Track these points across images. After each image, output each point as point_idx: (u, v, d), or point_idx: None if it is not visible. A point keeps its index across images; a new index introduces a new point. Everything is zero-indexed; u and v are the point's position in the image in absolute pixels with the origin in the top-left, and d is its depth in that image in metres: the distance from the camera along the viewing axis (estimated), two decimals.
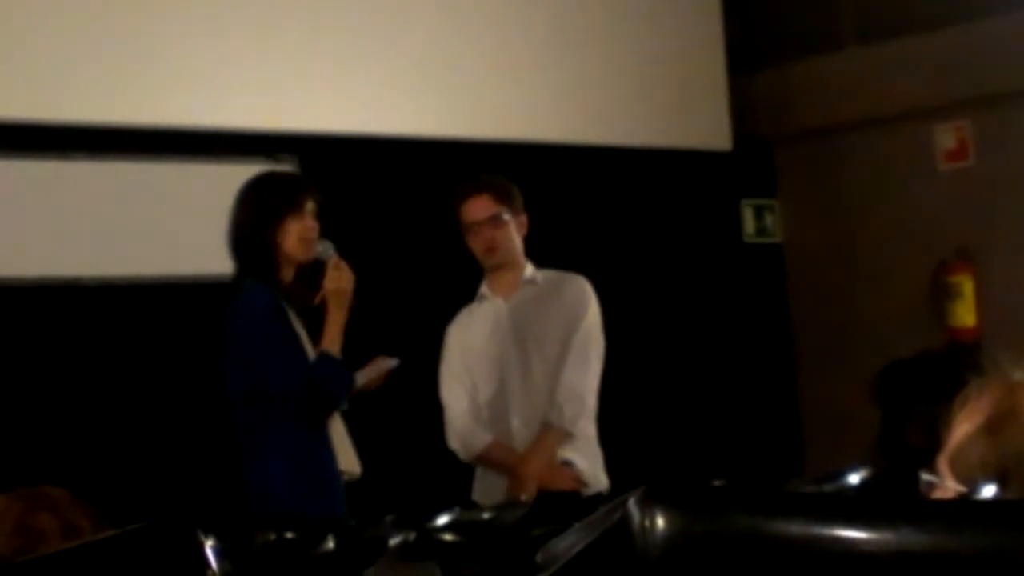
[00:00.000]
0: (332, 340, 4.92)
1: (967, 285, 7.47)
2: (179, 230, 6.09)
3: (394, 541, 3.57)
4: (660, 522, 1.38)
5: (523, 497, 5.15)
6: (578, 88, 7.22)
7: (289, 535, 3.72)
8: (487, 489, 5.38)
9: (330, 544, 3.62)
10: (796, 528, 1.42)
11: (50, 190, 5.90)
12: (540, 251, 5.61)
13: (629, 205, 7.58)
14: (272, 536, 3.74)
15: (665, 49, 7.51)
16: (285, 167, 6.24)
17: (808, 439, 7.97)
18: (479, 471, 5.47)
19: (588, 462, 5.43)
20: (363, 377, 5.10)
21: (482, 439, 5.39)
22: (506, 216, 5.42)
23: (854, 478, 4.06)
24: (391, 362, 5.19)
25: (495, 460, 5.39)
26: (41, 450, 5.71)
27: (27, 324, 5.92)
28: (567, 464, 5.38)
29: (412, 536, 3.60)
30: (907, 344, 7.55)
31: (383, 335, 6.58)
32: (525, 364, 5.42)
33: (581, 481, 5.34)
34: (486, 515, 4.02)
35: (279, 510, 4.70)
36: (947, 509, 1.63)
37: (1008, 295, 7.34)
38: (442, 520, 3.70)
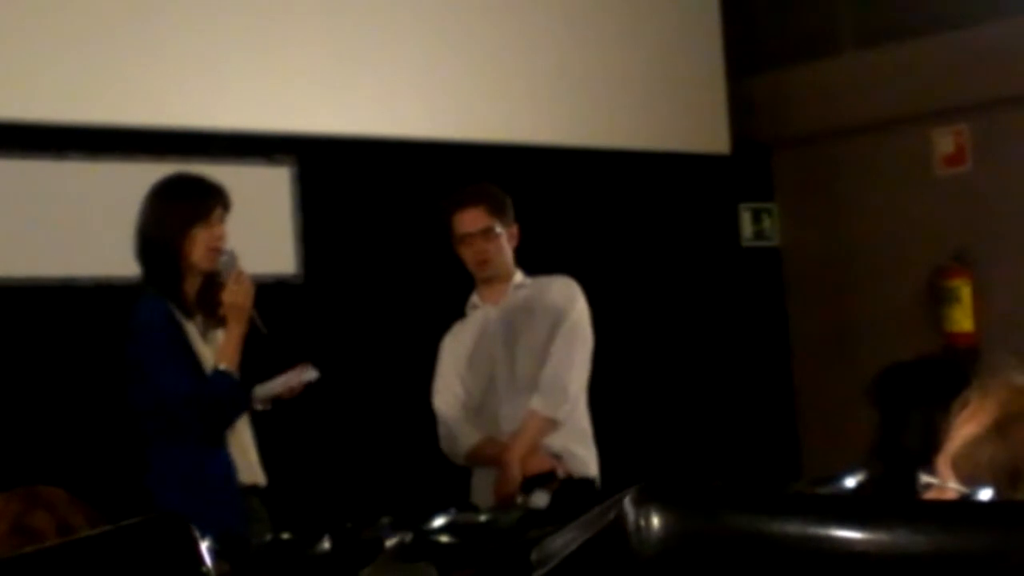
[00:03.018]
0: (228, 355, 4.80)
1: (964, 290, 7.47)
2: None
3: (391, 542, 3.58)
4: (655, 521, 1.38)
5: (507, 487, 5.21)
6: (576, 91, 7.21)
7: (286, 536, 3.72)
8: (483, 488, 5.41)
9: (326, 545, 3.63)
10: (791, 528, 1.42)
11: (45, 190, 5.89)
12: (538, 255, 5.61)
13: (627, 208, 7.58)
14: (269, 536, 3.74)
15: (663, 53, 7.52)
16: (282, 168, 6.24)
17: (805, 442, 7.97)
18: (475, 472, 5.49)
19: (581, 453, 5.45)
20: (281, 385, 5.03)
21: (470, 438, 5.43)
22: (498, 229, 5.43)
23: (851, 481, 4.07)
24: (311, 374, 5.08)
25: (484, 456, 5.42)
26: (38, 450, 5.70)
27: (20, 324, 5.92)
28: (558, 456, 5.39)
29: (408, 537, 3.61)
30: (904, 349, 7.56)
31: (377, 335, 6.59)
32: (512, 364, 5.45)
33: (571, 472, 5.35)
34: (482, 517, 4.03)
35: None
36: (942, 510, 1.63)
37: (1006, 300, 7.34)
38: (438, 521, 3.71)
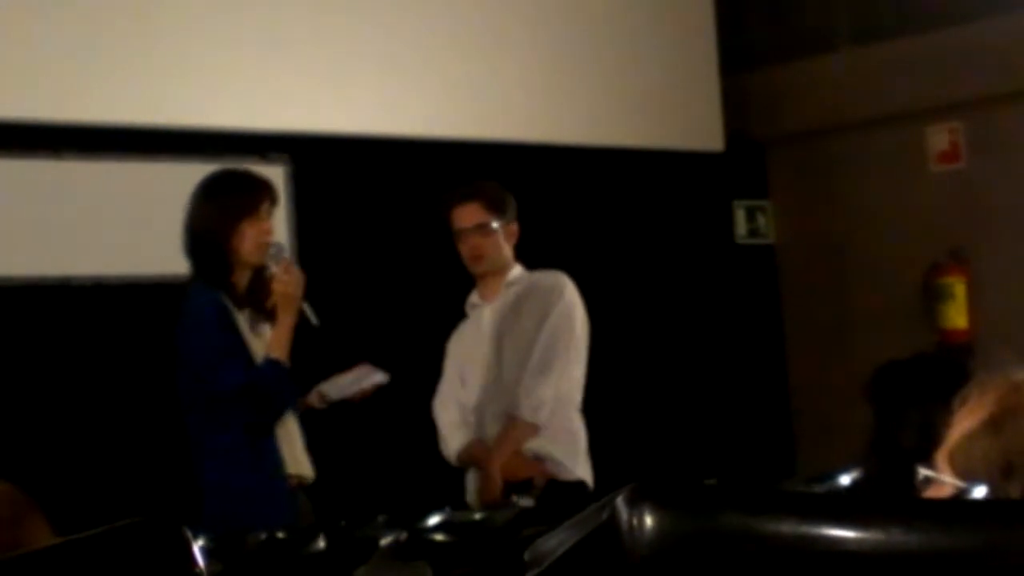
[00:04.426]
0: (278, 345, 4.82)
1: (959, 287, 7.47)
2: (170, 230, 6.07)
3: (385, 541, 3.57)
4: (648, 521, 1.38)
5: (489, 491, 5.21)
6: (570, 89, 7.21)
7: (280, 535, 3.72)
8: (475, 488, 5.43)
9: (321, 543, 3.62)
10: (785, 527, 1.42)
11: (41, 189, 5.89)
12: (532, 252, 5.61)
13: (621, 206, 7.58)
14: (263, 536, 3.74)
15: (657, 49, 7.52)
16: (276, 167, 6.23)
17: (800, 440, 7.98)
18: (469, 472, 5.49)
19: (564, 452, 5.41)
20: (349, 389, 5.08)
21: (460, 440, 5.43)
22: (495, 224, 5.41)
23: (846, 478, 4.07)
24: (380, 376, 5.16)
25: (470, 458, 5.43)
26: (35, 449, 5.70)
27: (18, 323, 5.92)
28: (539, 458, 5.37)
29: (403, 536, 3.61)
30: (899, 346, 7.57)
31: (372, 334, 6.58)
32: (500, 362, 5.44)
33: (554, 473, 5.34)
34: (477, 516, 4.03)
35: (223, 514, 4.65)
36: (936, 508, 1.63)
37: (1000, 297, 7.34)
38: (433, 520, 3.71)
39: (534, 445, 5.38)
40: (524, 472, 5.31)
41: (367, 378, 5.15)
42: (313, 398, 5.12)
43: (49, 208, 5.89)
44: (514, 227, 5.48)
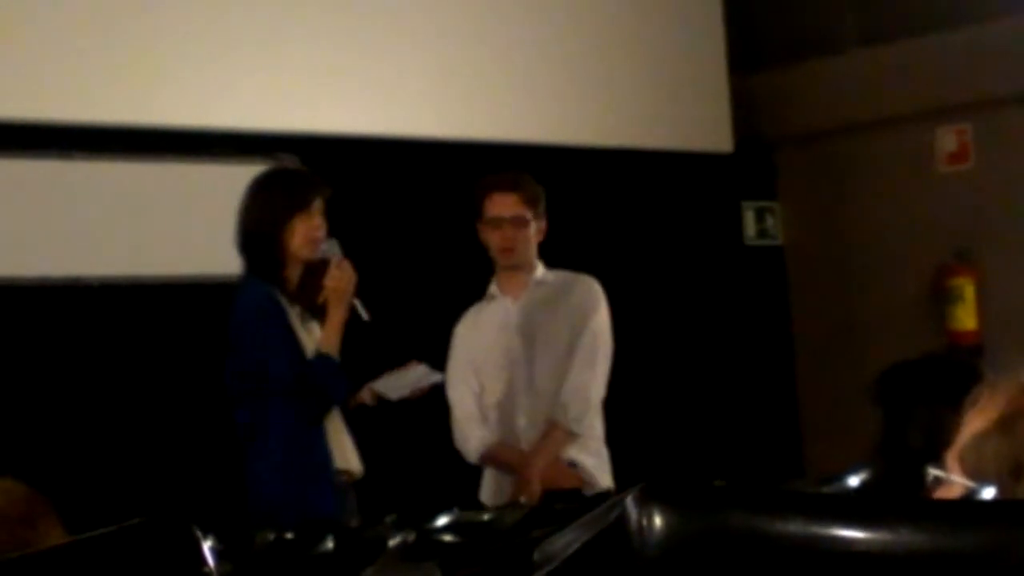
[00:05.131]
0: (329, 340, 4.89)
1: (968, 288, 7.47)
2: (177, 230, 6.08)
3: (394, 541, 3.57)
4: (657, 521, 1.38)
5: (524, 497, 5.14)
6: (579, 90, 7.21)
7: (288, 535, 3.72)
8: (495, 490, 5.36)
9: (329, 544, 3.63)
10: (794, 527, 1.42)
11: (49, 190, 5.90)
12: (543, 254, 5.60)
13: (630, 207, 7.58)
14: (271, 536, 3.74)
15: (666, 50, 7.51)
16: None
17: (808, 441, 7.97)
18: (487, 473, 5.44)
19: (594, 461, 5.40)
20: (407, 389, 5.10)
21: (485, 439, 5.36)
22: (529, 217, 5.37)
23: (854, 480, 4.06)
24: (437, 376, 5.17)
25: (499, 460, 5.37)
26: (42, 448, 5.71)
27: (27, 324, 5.92)
28: (572, 464, 5.35)
29: (412, 537, 3.60)
30: (908, 347, 7.56)
31: (379, 332, 6.58)
32: (532, 364, 5.37)
33: (585, 481, 5.28)
34: (486, 516, 4.03)
35: (271, 509, 4.68)
36: (944, 509, 1.63)
37: (1009, 298, 7.34)
38: (442, 521, 3.70)
39: (568, 452, 5.36)
40: (562, 480, 5.20)
41: (426, 379, 5.15)
42: (365, 395, 5.13)
43: (58, 208, 5.90)
44: (544, 225, 5.43)
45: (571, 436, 5.36)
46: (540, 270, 5.46)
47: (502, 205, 5.35)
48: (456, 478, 5.52)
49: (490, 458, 5.38)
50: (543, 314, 5.41)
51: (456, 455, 5.46)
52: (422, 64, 6.75)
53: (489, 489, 5.41)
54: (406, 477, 6.31)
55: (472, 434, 5.38)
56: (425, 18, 6.78)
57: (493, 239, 5.38)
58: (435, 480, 5.65)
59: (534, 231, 5.39)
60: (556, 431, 5.33)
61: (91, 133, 6.00)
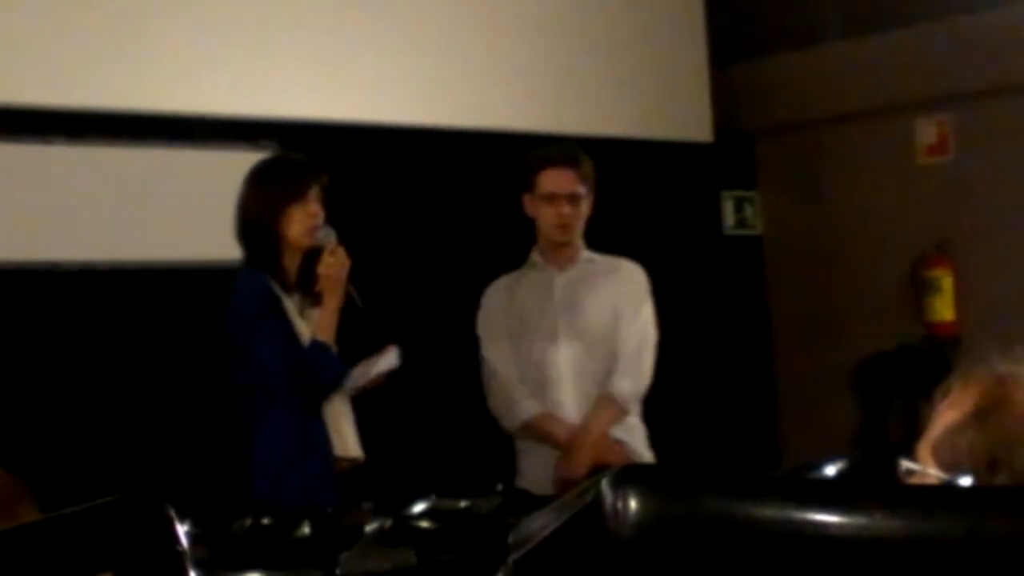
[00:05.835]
0: (325, 327, 4.89)
1: (946, 279, 7.48)
2: (159, 216, 6.07)
3: (370, 527, 3.57)
4: (632, 504, 1.38)
5: (575, 471, 5.03)
6: (559, 79, 7.21)
7: (265, 521, 3.72)
8: (535, 465, 5.21)
9: (306, 530, 3.63)
10: (769, 511, 1.42)
11: (29, 175, 5.88)
12: (520, 242, 5.59)
13: (609, 196, 7.56)
14: (249, 522, 3.74)
15: (647, 40, 7.51)
16: (266, 153, 6.22)
17: (785, 431, 7.99)
18: (522, 448, 5.29)
19: (636, 441, 5.34)
20: (362, 378, 5.03)
21: (530, 408, 5.21)
22: (583, 194, 5.27)
23: (831, 469, 4.06)
24: (390, 361, 5.08)
25: (543, 432, 5.21)
26: (25, 435, 5.69)
27: (4, 308, 5.90)
28: (619, 442, 5.26)
29: (388, 523, 3.61)
30: (886, 338, 7.57)
31: (365, 325, 6.58)
32: (576, 338, 5.26)
33: (630, 460, 5.16)
34: (462, 503, 4.03)
35: (273, 497, 4.69)
36: (919, 494, 1.63)
37: (986, 290, 7.35)
38: (418, 507, 3.71)
39: (615, 431, 5.28)
40: (610, 456, 5.10)
41: (376, 367, 5.09)
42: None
43: (37, 193, 5.88)
44: (593, 200, 5.34)
45: (623, 413, 5.27)
46: (584, 250, 5.38)
47: (559, 181, 5.26)
48: (451, 461, 5.50)
49: (532, 429, 5.23)
50: (590, 290, 5.32)
51: (465, 441, 5.41)
52: (406, 53, 6.74)
53: (528, 465, 5.26)
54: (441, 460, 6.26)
55: (520, 400, 5.23)
56: (410, 6, 6.77)
57: (547, 215, 5.28)
58: (460, 462, 5.57)
59: (586, 208, 5.32)
60: (612, 406, 5.24)
61: (72, 118, 5.98)
